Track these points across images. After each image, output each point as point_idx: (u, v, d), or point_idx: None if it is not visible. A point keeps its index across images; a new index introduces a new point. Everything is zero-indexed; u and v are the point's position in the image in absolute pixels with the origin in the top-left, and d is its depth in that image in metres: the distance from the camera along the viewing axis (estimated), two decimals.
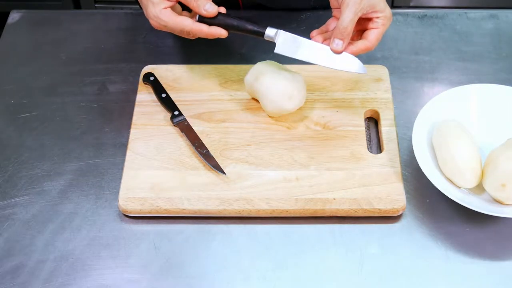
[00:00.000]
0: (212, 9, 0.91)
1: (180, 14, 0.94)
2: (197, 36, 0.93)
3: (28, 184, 0.95)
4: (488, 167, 0.87)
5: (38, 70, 1.10)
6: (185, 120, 0.98)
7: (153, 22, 0.93)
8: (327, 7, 0.94)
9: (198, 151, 0.94)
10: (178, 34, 0.94)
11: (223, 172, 0.92)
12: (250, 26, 0.92)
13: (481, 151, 0.91)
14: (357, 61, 0.90)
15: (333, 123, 0.98)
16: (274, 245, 0.88)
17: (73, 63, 1.11)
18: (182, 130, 0.97)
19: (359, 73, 0.91)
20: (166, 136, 0.97)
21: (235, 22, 0.92)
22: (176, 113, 0.99)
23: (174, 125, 0.98)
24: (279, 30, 0.92)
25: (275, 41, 0.92)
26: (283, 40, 0.92)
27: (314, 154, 0.94)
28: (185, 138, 0.96)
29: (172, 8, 0.93)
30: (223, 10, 0.93)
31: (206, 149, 0.94)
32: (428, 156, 0.91)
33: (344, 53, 0.90)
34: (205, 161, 0.93)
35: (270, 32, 0.92)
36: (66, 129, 1.01)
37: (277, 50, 0.92)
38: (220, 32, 0.92)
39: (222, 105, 1.01)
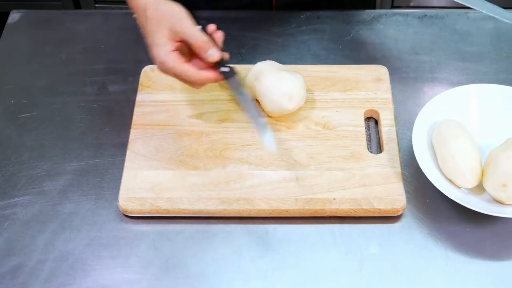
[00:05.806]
0: (215, 56, 0.87)
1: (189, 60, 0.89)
2: (204, 85, 0.91)
3: (28, 184, 0.94)
4: (488, 167, 0.87)
5: (38, 70, 1.10)
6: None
7: (159, 66, 0.88)
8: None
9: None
10: (183, 82, 0.90)
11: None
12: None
13: (481, 151, 0.91)
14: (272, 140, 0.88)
15: (333, 123, 0.98)
16: (274, 245, 0.88)
17: (73, 63, 1.11)
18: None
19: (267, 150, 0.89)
20: (166, 136, 0.97)
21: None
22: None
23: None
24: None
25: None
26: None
27: (314, 154, 0.94)
28: (185, 138, 0.96)
29: (181, 52, 0.88)
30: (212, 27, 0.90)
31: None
32: (428, 156, 0.91)
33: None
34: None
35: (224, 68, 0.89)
36: (66, 129, 1.01)
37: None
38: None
39: (222, 105, 1.01)
